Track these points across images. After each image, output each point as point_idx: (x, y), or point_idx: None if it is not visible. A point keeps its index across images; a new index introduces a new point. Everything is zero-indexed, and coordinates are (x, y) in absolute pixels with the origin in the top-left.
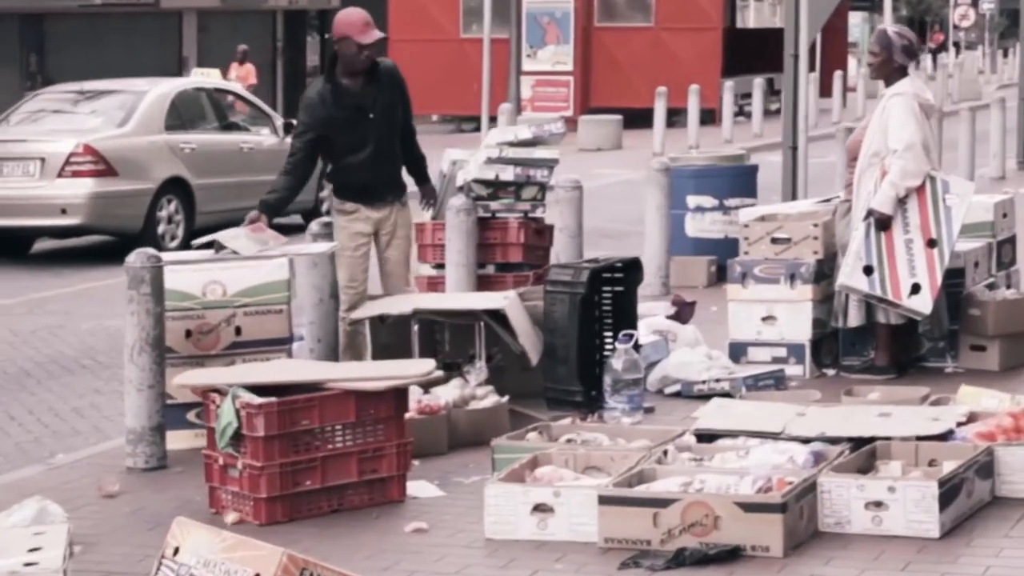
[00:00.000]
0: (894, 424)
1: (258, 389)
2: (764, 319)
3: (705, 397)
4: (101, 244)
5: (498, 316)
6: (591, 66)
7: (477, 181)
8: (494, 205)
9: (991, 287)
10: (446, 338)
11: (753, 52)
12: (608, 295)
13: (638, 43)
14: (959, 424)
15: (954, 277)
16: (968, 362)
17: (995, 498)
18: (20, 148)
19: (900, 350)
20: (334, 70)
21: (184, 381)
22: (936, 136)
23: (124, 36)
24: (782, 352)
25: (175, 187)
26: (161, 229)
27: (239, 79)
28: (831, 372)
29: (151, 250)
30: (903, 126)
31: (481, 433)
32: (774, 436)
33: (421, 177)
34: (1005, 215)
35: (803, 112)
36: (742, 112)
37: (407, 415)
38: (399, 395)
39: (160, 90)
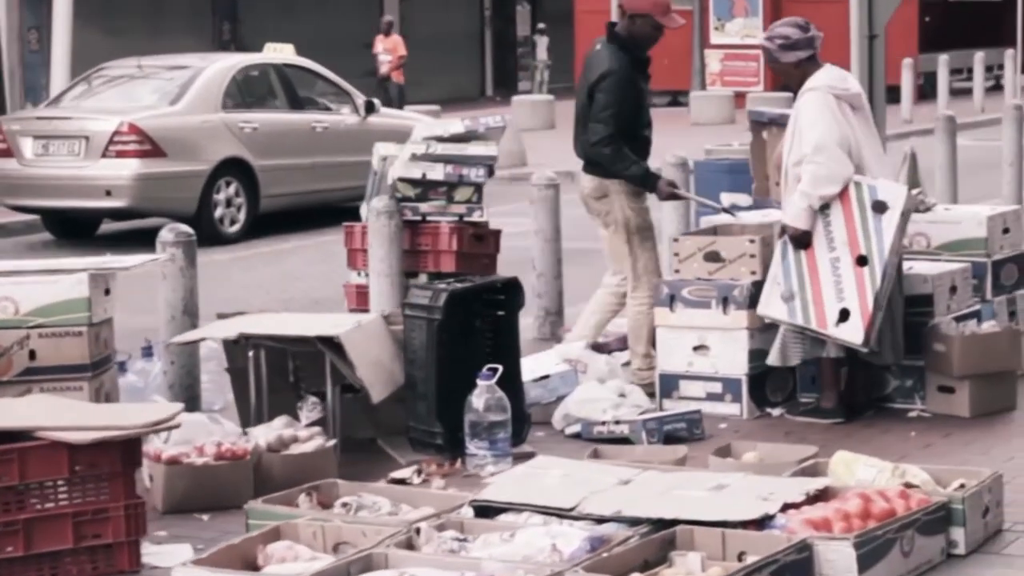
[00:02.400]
0: (712, 503)
1: None
2: (696, 349)
3: (605, 440)
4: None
5: (335, 344)
6: None
7: (402, 180)
8: (424, 207)
9: (972, 317)
10: (290, 367)
11: (954, 27)
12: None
13: (831, 15)
14: (795, 505)
15: (921, 305)
16: (936, 405)
17: None
18: (65, 126)
19: (858, 388)
20: (626, 43)
21: None
22: (872, 132)
23: (319, 2)
24: (716, 387)
25: (234, 168)
26: (219, 212)
27: (387, 51)
28: (776, 412)
29: None
30: (812, 125)
31: (300, 482)
32: (564, 513)
33: None
34: (1007, 230)
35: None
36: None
37: (203, 460)
38: (128, 447)
39: (219, 66)
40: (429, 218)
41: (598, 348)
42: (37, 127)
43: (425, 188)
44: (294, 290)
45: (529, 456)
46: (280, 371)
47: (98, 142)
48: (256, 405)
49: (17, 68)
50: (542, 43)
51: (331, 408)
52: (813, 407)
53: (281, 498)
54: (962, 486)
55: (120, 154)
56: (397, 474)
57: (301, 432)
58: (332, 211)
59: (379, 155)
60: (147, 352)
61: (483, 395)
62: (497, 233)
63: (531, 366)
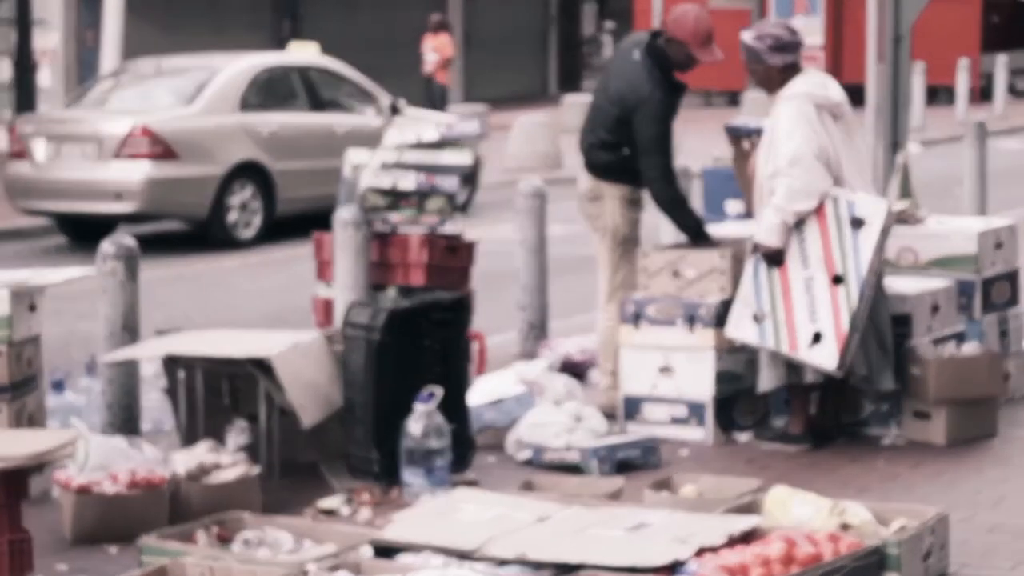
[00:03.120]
0: (625, 545)
1: None
2: (661, 370)
3: (556, 467)
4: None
5: (266, 365)
6: (843, 39)
7: (372, 189)
8: (394, 218)
9: (955, 339)
10: (224, 388)
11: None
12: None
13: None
14: (714, 549)
15: (899, 325)
16: (911, 431)
17: None
18: (78, 128)
19: (830, 413)
20: (661, 62)
21: None
22: (855, 143)
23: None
24: (681, 411)
25: (250, 172)
26: (233, 217)
27: (434, 50)
28: (744, 437)
29: None
30: (789, 136)
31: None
32: (466, 555)
33: None
34: (1000, 245)
35: None
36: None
37: (116, 489)
38: (11, 478)
39: (238, 67)
40: (399, 229)
41: (573, 366)
42: (50, 129)
43: (395, 198)
44: (288, 301)
45: (472, 484)
46: (217, 392)
47: (110, 144)
48: (188, 428)
49: (74, 66)
50: (608, 42)
51: (264, 431)
52: (780, 433)
53: (179, 533)
54: (903, 528)
55: (132, 156)
56: (325, 503)
57: (224, 458)
58: None
59: (350, 163)
60: (91, 368)
61: (420, 420)
62: (472, 245)
63: (487, 387)
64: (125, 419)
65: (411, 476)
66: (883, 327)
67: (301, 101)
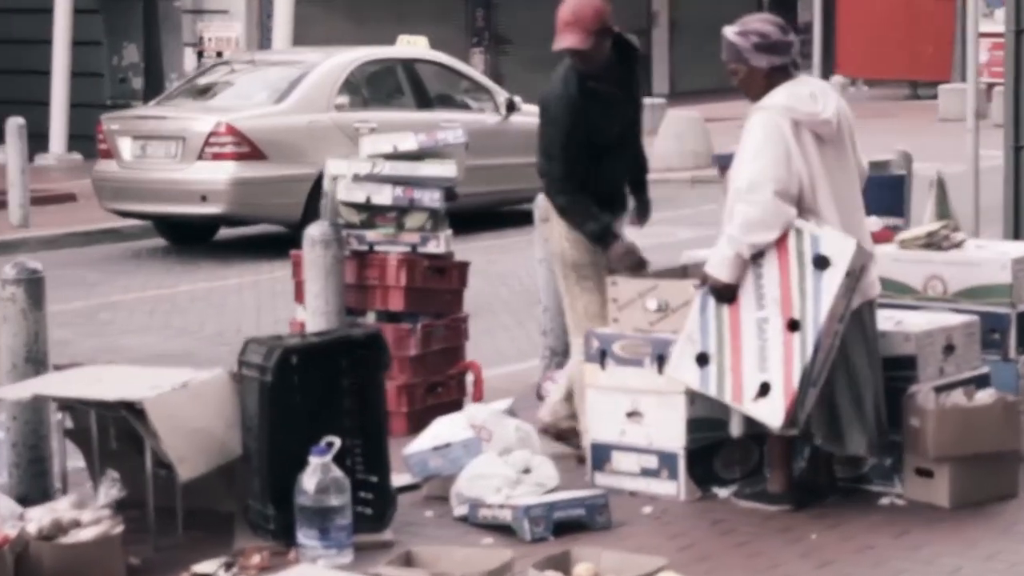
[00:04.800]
0: None
1: None
2: (629, 415)
3: (490, 527)
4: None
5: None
6: None
7: (346, 204)
8: (371, 235)
9: (976, 382)
10: (112, 433)
11: None
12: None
13: None
14: None
15: (901, 368)
16: (913, 491)
17: None
18: (163, 126)
19: (820, 466)
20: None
21: None
22: (844, 167)
23: None
24: (652, 461)
25: None
26: None
27: None
28: (724, 493)
29: None
30: (754, 155)
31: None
32: None
33: None
34: None
35: None
36: None
37: None
38: None
39: (333, 63)
40: (377, 248)
41: None
42: (136, 127)
43: (371, 213)
44: None
45: (387, 546)
46: (117, 435)
47: (194, 143)
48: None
49: None
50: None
51: (149, 479)
52: (760, 491)
53: None
54: None
55: (216, 156)
56: (200, 568)
57: (86, 515)
58: (459, 219)
59: (329, 173)
60: None
61: (315, 474)
62: (463, 266)
63: (436, 431)
64: (32, 459)
65: (306, 537)
66: (859, 379)
67: (406, 98)
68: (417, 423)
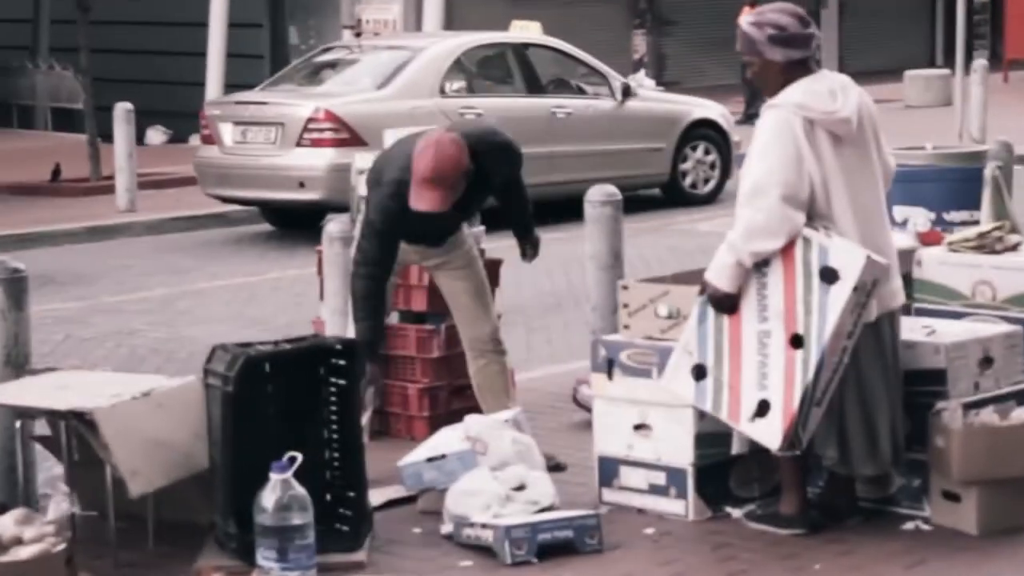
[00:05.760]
0: None
1: None
2: (636, 428)
3: (474, 548)
4: None
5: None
6: None
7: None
8: None
9: (1016, 399)
10: (73, 444)
11: None
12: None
13: None
14: None
15: (929, 382)
16: (941, 515)
17: None
18: (262, 112)
19: (840, 487)
20: None
21: None
22: (863, 170)
23: None
24: (660, 478)
25: None
26: None
27: None
28: (737, 513)
29: None
30: (761, 156)
31: None
32: None
33: None
34: None
35: None
36: None
37: None
38: None
39: (440, 48)
40: None
41: None
42: (236, 112)
43: None
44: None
45: (358, 567)
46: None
47: (293, 129)
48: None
49: None
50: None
51: (109, 494)
52: (771, 512)
53: None
54: None
55: (315, 143)
56: None
57: (28, 532)
58: (575, 206)
59: (356, 167)
60: None
61: (275, 491)
62: (495, 264)
63: (434, 442)
64: (7, 467)
65: (265, 558)
66: (871, 396)
67: (516, 83)
68: (440, 428)
